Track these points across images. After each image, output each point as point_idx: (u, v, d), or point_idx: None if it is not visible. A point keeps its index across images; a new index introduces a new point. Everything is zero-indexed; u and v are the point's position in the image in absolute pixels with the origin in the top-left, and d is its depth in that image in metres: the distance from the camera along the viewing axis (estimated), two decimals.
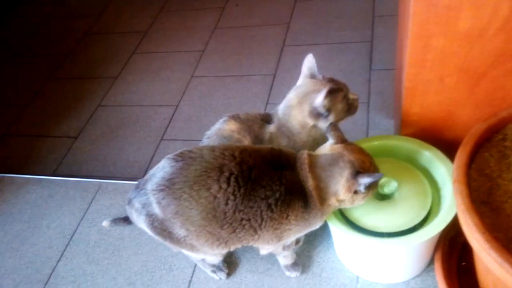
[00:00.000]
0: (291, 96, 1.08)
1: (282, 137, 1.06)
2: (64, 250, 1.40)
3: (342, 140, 0.98)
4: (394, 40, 1.89)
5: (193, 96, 1.96)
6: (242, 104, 1.86)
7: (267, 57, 2.07)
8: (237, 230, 0.94)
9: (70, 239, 1.43)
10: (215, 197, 0.90)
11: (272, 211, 0.92)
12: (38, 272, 1.36)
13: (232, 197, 0.90)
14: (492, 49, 0.89)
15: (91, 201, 1.54)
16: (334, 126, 0.99)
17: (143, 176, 1.63)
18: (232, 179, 0.90)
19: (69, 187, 1.62)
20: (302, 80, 1.11)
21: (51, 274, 1.35)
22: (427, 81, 0.99)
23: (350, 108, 1.07)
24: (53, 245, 1.43)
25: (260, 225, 0.93)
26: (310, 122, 1.05)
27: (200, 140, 1.77)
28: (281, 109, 1.10)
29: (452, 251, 1.12)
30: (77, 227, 1.47)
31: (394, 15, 2.07)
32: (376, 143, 1.16)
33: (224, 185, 0.90)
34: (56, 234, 1.46)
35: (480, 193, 0.84)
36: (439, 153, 1.08)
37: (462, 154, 0.88)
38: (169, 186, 0.92)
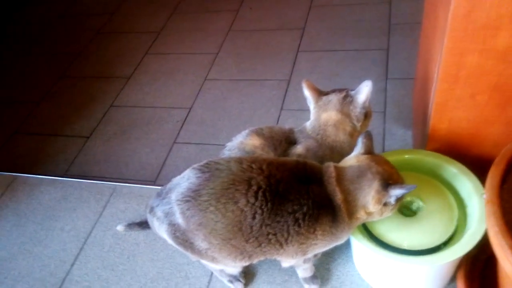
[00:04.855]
0: (327, 115, 1.07)
1: (314, 158, 1.05)
2: (79, 254, 1.39)
3: (370, 151, 0.97)
4: (411, 49, 1.89)
5: (206, 99, 1.95)
6: (256, 109, 1.85)
7: (281, 62, 2.06)
8: (262, 244, 0.92)
9: (85, 243, 1.42)
10: (242, 210, 0.89)
11: (299, 225, 0.90)
12: (52, 276, 1.34)
13: (259, 211, 0.89)
14: None
15: (106, 204, 1.53)
16: (368, 135, 0.98)
17: (156, 179, 1.66)
18: (260, 193, 0.89)
19: (83, 188, 1.60)
20: (315, 101, 1.10)
21: (65, 278, 1.33)
22: (458, 97, 0.97)
23: (368, 112, 1.09)
24: (67, 248, 1.41)
25: (286, 239, 0.92)
26: (358, 124, 1.07)
27: (214, 145, 1.79)
28: (316, 131, 1.08)
29: (475, 268, 1.11)
30: (92, 230, 1.45)
31: (411, 23, 2.08)
32: (405, 156, 1.14)
33: (252, 199, 0.88)
34: (70, 236, 1.45)
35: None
36: (464, 169, 1.07)
37: (494, 175, 0.87)
38: (195, 198, 0.91)
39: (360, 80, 1.06)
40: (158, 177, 1.64)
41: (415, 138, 1.46)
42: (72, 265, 1.36)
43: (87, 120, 1.95)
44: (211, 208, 0.89)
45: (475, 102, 0.98)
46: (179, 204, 0.93)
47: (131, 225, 1.22)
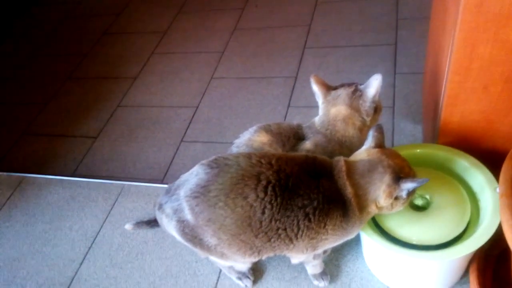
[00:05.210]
0: (336, 109, 1.06)
1: (323, 153, 1.03)
2: (87, 253, 1.39)
3: (380, 144, 0.95)
4: (419, 44, 1.86)
5: (213, 98, 1.94)
6: (263, 106, 1.84)
7: (288, 59, 2.04)
8: (272, 239, 0.91)
9: (93, 242, 1.42)
10: (251, 206, 0.88)
11: (309, 220, 0.89)
12: (61, 275, 1.35)
13: (269, 206, 0.87)
14: None
15: (114, 203, 1.53)
16: (380, 128, 0.96)
17: (164, 178, 1.66)
18: (270, 188, 0.88)
19: (91, 188, 1.60)
20: (323, 96, 1.09)
21: (74, 277, 1.33)
22: (471, 89, 0.95)
23: (377, 106, 1.08)
24: (75, 247, 1.41)
25: (296, 234, 0.91)
26: (368, 119, 1.05)
27: (221, 143, 1.78)
28: (325, 126, 1.07)
29: (487, 262, 1.09)
30: (100, 229, 1.45)
31: (419, 17, 2.06)
32: (417, 151, 1.13)
33: (261, 194, 0.87)
34: (78, 236, 1.45)
35: None
36: (476, 162, 1.05)
37: (508, 168, 0.85)
38: (204, 193, 0.90)
39: (368, 76, 1.05)
40: (165, 176, 1.64)
41: (425, 133, 1.44)
42: (81, 264, 1.36)
43: (94, 121, 1.95)
44: (220, 204, 0.89)
45: (488, 94, 0.96)
46: (188, 201, 0.92)
47: (139, 224, 1.21)
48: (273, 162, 0.91)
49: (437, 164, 1.11)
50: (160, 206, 1.00)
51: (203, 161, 0.96)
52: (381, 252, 1.07)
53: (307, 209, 0.89)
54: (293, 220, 0.89)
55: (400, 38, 1.98)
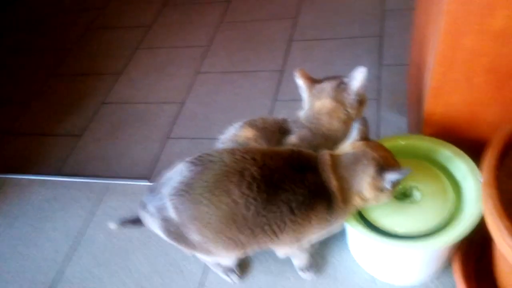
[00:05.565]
0: (320, 103, 1.05)
1: (308, 148, 1.02)
2: (71, 253, 1.37)
3: (365, 137, 0.95)
4: (405, 35, 1.85)
5: (199, 93, 1.92)
6: (249, 101, 1.82)
7: (274, 52, 2.03)
8: (257, 235, 0.91)
9: (77, 242, 1.39)
10: (236, 202, 0.87)
11: (294, 214, 0.89)
12: (45, 276, 1.32)
13: (253, 202, 0.87)
14: None
15: (99, 203, 1.50)
16: (364, 121, 0.96)
17: (151, 176, 1.64)
18: (254, 184, 0.87)
19: (75, 188, 1.57)
20: (308, 90, 1.08)
21: (58, 278, 1.31)
22: (455, 81, 0.95)
23: (362, 99, 1.07)
24: (59, 248, 1.39)
25: (281, 229, 0.90)
26: (352, 112, 1.04)
27: (208, 139, 1.76)
28: (310, 120, 1.06)
29: (470, 250, 1.09)
30: (84, 230, 1.43)
31: (405, 9, 2.05)
32: (400, 142, 1.12)
33: (245, 191, 0.86)
34: (62, 236, 1.42)
35: (510, 196, 0.81)
36: (459, 151, 1.06)
37: (491, 156, 0.85)
38: (188, 191, 0.88)
39: (354, 68, 1.04)
40: (152, 173, 1.61)
41: (410, 125, 1.44)
42: (65, 265, 1.34)
43: (78, 118, 1.92)
44: (205, 201, 0.87)
45: (471, 85, 0.95)
46: (171, 199, 0.91)
47: (124, 223, 1.19)
48: (257, 157, 0.90)
49: (421, 154, 1.11)
50: (144, 205, 0.99)
51: (187, 159, 0.95)
52: (366, 243, 1.07)
53: (292, 204, 0.88)
54: (278, 215, 0.88)
55: (386, 30, 1.97)
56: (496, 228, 0.75)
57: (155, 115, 1.86)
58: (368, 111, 1.64)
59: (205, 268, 1.25)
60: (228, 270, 1.19)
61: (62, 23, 2.62)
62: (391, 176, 0.88)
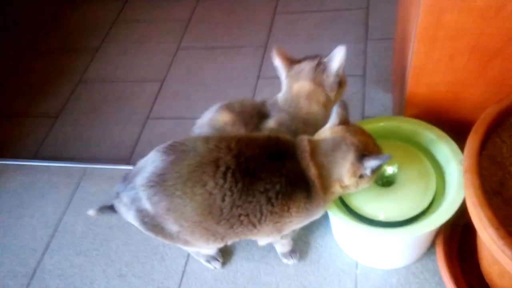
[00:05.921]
0: (299, 85, 1.00)
1: (287, 132, 0.99)
2: (50, 242, 1.34)
3: (345, 121, 0.91)
4: (392, 7, 1.79)
5: (180, 70, 1.85)
6: (232, 78, 1.76)
7: (257, 26, 1.95)
8: (234, 226, 0.88)
9: (55, 230, 1.36)
10: (210, 193, 0.83)
11: (272, 205, 0.86)
12: (23, 266, 1.29)
13: (229, 193, 0.83)
14: (509, 26, 0.81)
15: (76, 188, 1.46)
16: (343, 104, 0.92)
17: (131, 159, 1.59)
18: (229, 174, 0.83)
19: (51, 172, 1.53)
20: (286, 71, 1.03)
21: (37, 267, 1.29)
22: (437, 60, 0.91)
23: (342, 80, 1.02)
24: (37, 237, 1.36)
25: (259, 220, 0.87)
26: (332, 94, 1.00)
27: (189, 119, 1.68)
28: (288, 103, 1.01)
29: (453, 233, 1.09)
30: (62, 217, 1.39)
31: None
32: (381, 124, 1.09)
33: (220, 181, 0.83)
34: (40, 224, 1.39)
35: (492, 183, 0.79)
36: (442, 134, 1.03)
37: (473, 141, 0.82)
38: (160, 183, 0.85)
39: (339, 43, 0.98)
40: (132, 156, 1.57)
41: (395, 102, 1.40)
42: (44, 253, 1.31)
43: (54, 98, 1.84)
44: (178, 193, 0.84)
45: (454, 64, 0.91)
46: (144, 190, 0.87)
47: (102, 209, 1.15)
48: (232, 145, 0.86)
49: (404, 136, 1.08)
50: (118, 195, 0.95)
51: (159, 147, 0.91)
52: (349, 230, 1.06)
53: (270, 193, 0.85)
54: (255, 206, 0.85)
55: (372, 1, 1.90)
56: (477, 218, 0.73)
57: (135, 94, 1.79)
58: (353, 88, 1.62)
59: (187, 255, 1.23)
60: (210, 257, 1.17)
61: None
62: (371, 163, 0.85)
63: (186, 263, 1.22)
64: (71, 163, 1.54)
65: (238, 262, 1.20)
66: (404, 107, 1.06)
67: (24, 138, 1.71)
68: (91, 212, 1.15)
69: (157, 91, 1.78)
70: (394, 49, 1.50)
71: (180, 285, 1.19)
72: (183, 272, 1.21)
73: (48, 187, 1.49)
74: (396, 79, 1.31)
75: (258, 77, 1.74)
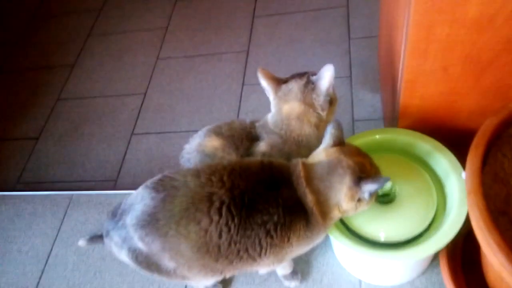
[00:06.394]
0: (288, 106, 0.97)
1: (280, 155, 0.95)
2: (40, 277, 1.29)
3: (339, 142, 0.88)
4: (372, 4, 1.77)
5: (161, 82, 1.80)
6: (216, 87, 1.72)
7: (237, 31, 1.90)
8: (234, 262, 0.84)
9: (46, 263, 1.31)
10: (206, 231, 0.80)
11: (271, 237, 0.83)
12: None
13: (225, 229, 0.80)
14: (502, 35, 0.79)
15: (63, 217, 1.41)
16: (337, 124, 0.88)
17: (117, 177, 1.54)
18: (224, 208, 0.80)
19: (36, 202, 1.47)
20: (274, 92, 1.00)
21: None
22: (430, 72, 0.88)
23: (332, 98, 0.99)
24: (27, 272, 1.30)
25: (259, 253, 0.84)
26: (323, 113, 0.96)
27: (175, 132, 1.66)
28: (279, 125, 0.98)
29: (456, 244, 1.07)
30: (52, 249, 1.34)
31: None
32: (376, 137, 1.06)
33: (215, 217, 0.79)
34: (29, 258, 1.33)
35: (497, 203, 0.76)
36: (439, 145, 1.00)
37: (474, 158, 0.79)
38: (151, 222, 0.81)
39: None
40: (119, 174, 1.52)
41: (384, 103, 1.38)
42: None
43: (33, 119, 1.78)
44: (172, 232, 0.80)
45: (448, 75, 0.89)
46: (136, 230, 0.83)
47: (93, 238, 1.11)
48: (225, 178, 0.82)
49: (399, 149, 1.05)
50: (107, 233, 0.91)
51: (148, 183, 0.86)
52: (350, 252, 1.03)
53: (268, 225, 0.82)
54: (254, 240, 0.82)
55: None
56: (485, 243, 0.70)
57: (116, 109, 1.74)
58: (341, 90, 1.59)
59: (185, 285, 1.19)
60: (209, 285, 1.13)
61: (3, 14, 2.38)
62: (368, 187, 0.82)
63: None
64: (56, 192, 1.48)
65: (238, 287, 1.16)
66: (397, 118, 1.04)
67: (4, 163, 1.65)
68: (82, 243, 1.10)
69: (139, 105, 1.73)
70: (380, 49, 1.47)
71: None
72: None
73: (35, 218, 1.43)
74: (385, 82, 1.28)
75: (243, 83, 1.70)
